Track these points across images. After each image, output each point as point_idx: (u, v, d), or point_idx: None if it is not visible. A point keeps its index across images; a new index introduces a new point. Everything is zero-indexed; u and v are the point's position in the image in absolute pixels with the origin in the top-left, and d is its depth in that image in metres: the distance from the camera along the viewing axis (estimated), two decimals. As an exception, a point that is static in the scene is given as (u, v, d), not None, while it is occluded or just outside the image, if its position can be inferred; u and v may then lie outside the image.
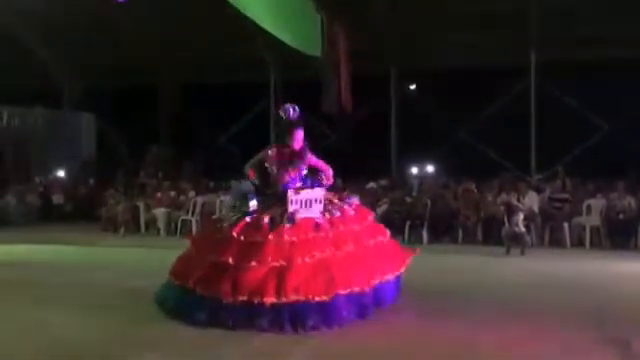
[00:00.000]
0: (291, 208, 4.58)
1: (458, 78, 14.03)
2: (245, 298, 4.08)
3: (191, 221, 11.73)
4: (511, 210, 9.00)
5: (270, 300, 4.04)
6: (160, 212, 11.91)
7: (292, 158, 4.89)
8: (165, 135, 17.21)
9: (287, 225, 4.47)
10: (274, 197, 4.78)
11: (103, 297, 5.28)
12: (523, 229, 8.82)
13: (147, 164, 15.59)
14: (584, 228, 9.95)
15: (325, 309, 4.09)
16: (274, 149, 4.98)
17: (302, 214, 4.59)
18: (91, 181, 15.49)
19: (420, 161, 16.18)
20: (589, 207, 10.20)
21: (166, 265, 4.88)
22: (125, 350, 3.67)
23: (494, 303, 5.07)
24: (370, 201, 11.42)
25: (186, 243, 5.17)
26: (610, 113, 13.72)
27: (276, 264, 4.22)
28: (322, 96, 13.56)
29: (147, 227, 12.12)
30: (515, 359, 3.49)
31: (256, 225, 4.52)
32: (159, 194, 12.61)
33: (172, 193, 12.57)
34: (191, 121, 16.69)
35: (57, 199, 14.63)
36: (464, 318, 4.45)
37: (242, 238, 4.43)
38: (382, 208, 10.81)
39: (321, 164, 5.06)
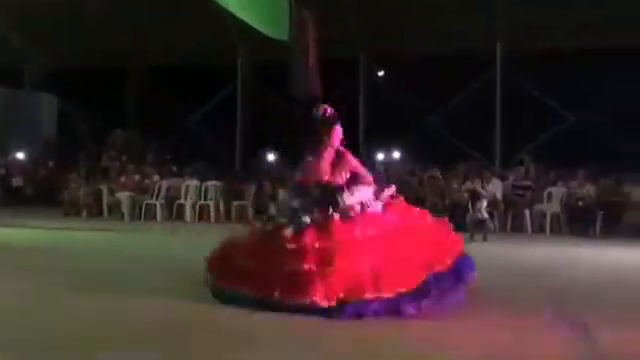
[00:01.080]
0: (352, 212, 4.42)
1: (426, 66, 14.11)
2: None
3: (155, 205, 11.60)
4: (475, 197, 9.15)
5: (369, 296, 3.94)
6: (124, 196, 11.72)
7: (333, 160, 4.60)
8: (132, 118, 16.90)
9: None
10: (320, 202, 4.49)
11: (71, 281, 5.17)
12: (486, 215, 8.98)
13: (110, 147, 15.30)
14: (545, 215, 10.19)
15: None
16: (313, 154, 4.66)
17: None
18: (51, 163, 15.13)
19: (388, 148, 16.29)
20: (550, 194, 10.44)
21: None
22: (92, 335, 3.60)
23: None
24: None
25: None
26: (576, 104, 14.00)
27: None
28: (290, 80, 13.49)
29: (110, 211, 11.94)
30: (479, 342, 3.56)
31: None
32: (123, 178, 12.41)
33: (136, 177, 12.38)
34: (159, 104, 16.42)
35: (17, 181, 14.26)
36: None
37: (316, 245, 4.22)
38: (349, 194, 10.86)
39: (360, 168, 4.71)
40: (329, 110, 4.69)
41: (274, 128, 16.40)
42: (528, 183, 10.86)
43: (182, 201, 11.58)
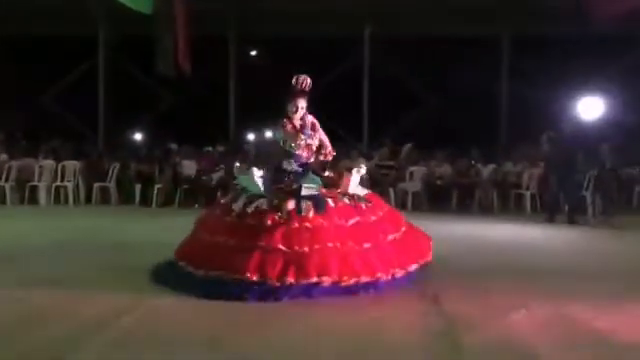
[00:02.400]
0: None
1: (297, 46, 14.18)
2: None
3: (4, 187, 10.61)
4: (344, 176, 9.39)
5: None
6: (-34, 177, 10.58)
7: (303, 130, 4.59)
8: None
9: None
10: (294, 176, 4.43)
11: None
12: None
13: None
14: (407, 193, 10.73)
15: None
16: (286, 122, 4.63)
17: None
18: None
19: (259, 128, 16.20)
20: (412, 174, 11.00)
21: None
22: None
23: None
24: (207, 165, 11.22)
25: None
26: (436, 87, 14.84)
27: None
28: (157, 56, 12.92)
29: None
30: (322, 309, 3.66)
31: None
32: (-35, 157, 11.19)
33: (-20, 156, 11.22)
34: (6, 77, 14.93)
35: None
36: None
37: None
38: (219, 174, 10.70)
39: (324, 137, 4.73)
40: (301, 81, 4.63)
41: (140, 105, 15.71)
42: (391, 163, 11.36)
43: (35, 183, 10.70)
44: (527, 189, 10.62)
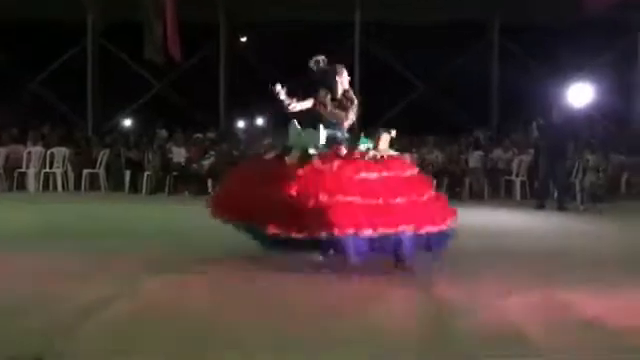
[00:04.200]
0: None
1: (286, 32, 14.10)
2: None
3: (-8, 174, 10.53)
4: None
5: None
6: (-47, 164, 10.48)
7: (343, 102, 4.77)
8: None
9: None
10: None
11: None
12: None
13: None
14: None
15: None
16: (327, 94, 4.74)
17: None
18: None
19: (249, 115, 16.15)
20: (403, 160, 11.02)
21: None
22: None
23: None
24: (197, 152, 11.18)
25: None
26: (426, 73, 14.83)
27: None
28: (145, 42, 12.79)
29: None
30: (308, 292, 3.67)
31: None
32: (-48, 144, 11.07)
33: (-32, 143, 11.10)
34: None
35: None
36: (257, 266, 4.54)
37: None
38: (209, 160, 10.66)
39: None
40: (324, 61, 4.81)
41: (129, 92, 15.57)
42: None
43: (24, 169, 10.61)
44: (517, 176, 10.67)
